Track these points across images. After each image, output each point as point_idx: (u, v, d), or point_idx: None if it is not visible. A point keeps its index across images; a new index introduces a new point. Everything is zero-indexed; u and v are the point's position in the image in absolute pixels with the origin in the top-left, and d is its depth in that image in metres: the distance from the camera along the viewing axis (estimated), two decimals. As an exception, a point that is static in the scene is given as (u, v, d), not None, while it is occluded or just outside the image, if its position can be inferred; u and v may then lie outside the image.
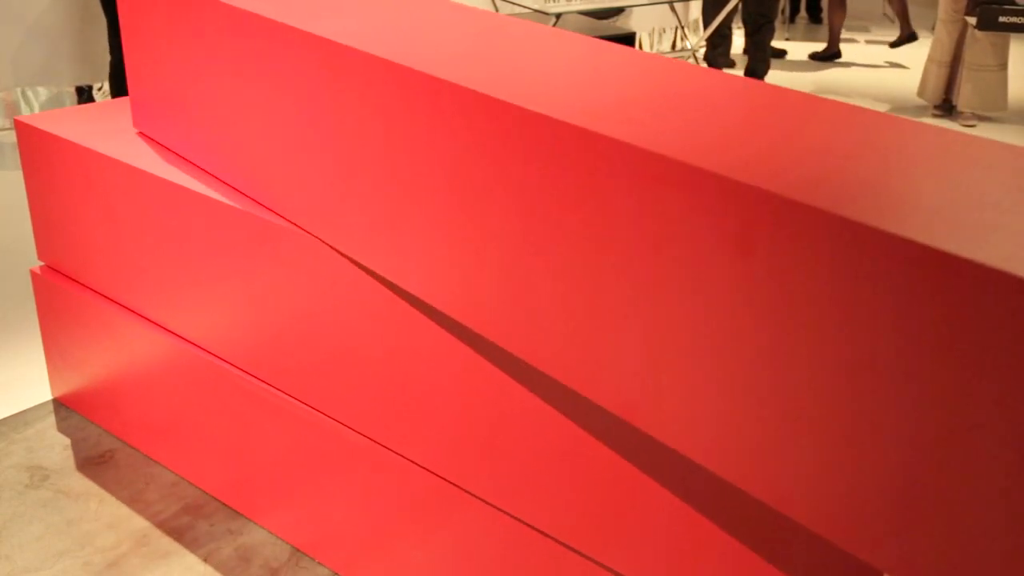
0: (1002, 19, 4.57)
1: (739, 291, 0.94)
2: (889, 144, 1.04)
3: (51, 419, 2.11)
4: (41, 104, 4.13)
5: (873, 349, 0.86)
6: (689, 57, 5.98)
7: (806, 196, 0.88)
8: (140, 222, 1.77)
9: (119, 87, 3.86)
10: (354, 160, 1.34)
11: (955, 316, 0.80)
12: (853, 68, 6.42)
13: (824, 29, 7.80)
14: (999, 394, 0.79)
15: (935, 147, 1.05)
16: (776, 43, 6.72)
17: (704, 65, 4.24)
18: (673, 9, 5.79)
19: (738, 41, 6.44)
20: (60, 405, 2.16)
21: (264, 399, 1.65)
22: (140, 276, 1.83)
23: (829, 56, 6.56)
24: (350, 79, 1.30)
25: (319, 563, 1.69)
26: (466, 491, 1.40)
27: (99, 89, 4.29)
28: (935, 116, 5.11)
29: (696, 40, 6.24)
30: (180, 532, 1.77)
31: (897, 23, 6.55)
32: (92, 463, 1.96)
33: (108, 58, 3.93)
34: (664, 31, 6.64)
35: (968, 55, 4.86)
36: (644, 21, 6.36)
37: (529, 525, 1.33)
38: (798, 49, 6.98)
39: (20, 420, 2.11)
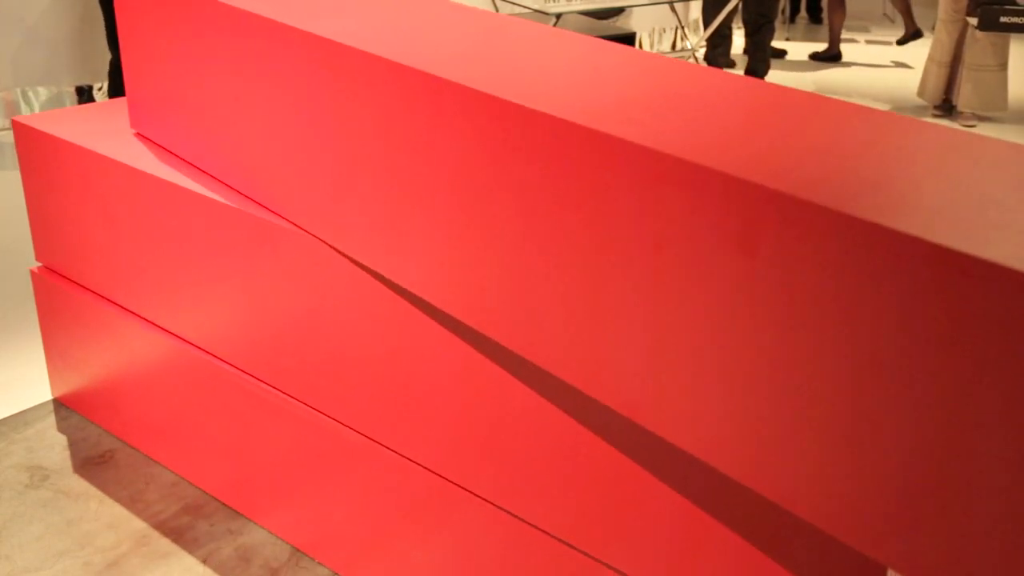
0: (1003, 19, 4.57)
1: (742, 289, 0.94)
2: (892, 142, 1.04)
3: (51, 419, 2.11)
4: (41, 104, 4.13)
5: (877, 346, 0.86)
6: (689, 57, 5.97)
7: (809, 194, 0.88)
8: (139, 223, 1.77)
9: (118, 86, 3.86)
10: (354, 159, 1.33)
11: (960, 313, 0.80)
12: (853, 68, 6.42)
13: (824, 29, 7.80)
14: (1004, 390, 0.79)
15: (938, 145, 1.05)
16: (776, 43, 6.72)
17: (704, 65, 4.23)
18: (673, 9, 5.79)
19: (738, 41, 6.44)
20: (60, 405, 2.16)
21: (264, 399, 1.65)
22: (139, 277, 1.82)
23: (829, 57, 6.56)
24: (350, 79, 1.29)
25: (319, 563, 1.69)
26: (467, 490, 1.40)
27: (99, 89, 4.28)
28: (935, 116, 5.11)
29: (696, 40, 6.24)
30: (180, 532, 1.77)
31: (897, 22, 6.55)
32: (92, 463, 1.96)
33: (108, 57, 3.93)
34: (664, 31, 6.64)
35: (968, 55, 4.86)
36: (644, 21, 6.36)
37: (530, 524, 1.33)
38: (798, 49, 6.98)
39: (20, 420, 2.11)
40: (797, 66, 6.46)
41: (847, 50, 6.88)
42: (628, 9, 5.82)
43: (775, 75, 5.98)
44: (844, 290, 0.87)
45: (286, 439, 1.65)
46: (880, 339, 0.85)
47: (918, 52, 6.45)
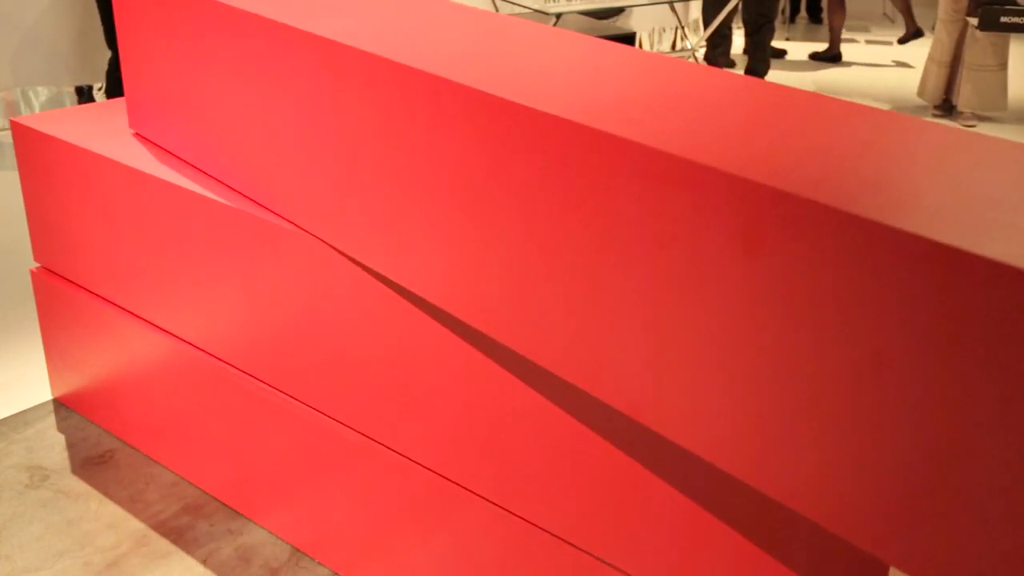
0: (1004, 19, 4.57)
1: (745, 287, 0.94)
2: (894, 141, 1.04)
3: (51, 419, 2.11)
4: (41, 104, 4.13)
5: (880, 344, 0.86)
6: (689, 57, 5.97)
7: (812, 192, 0.88)
8: (138, 223, 1.77)
9: (116, 85, 3.86)
10: (355, 159, 1.33)
11: (962, 310, 0.80)
12: (853, 68, 6.42)
13: (824, 29, 7.80)
14: (1008, 388, 0.79)
15: (940, 144, 1.05)
16: (776, 43, 6.71)
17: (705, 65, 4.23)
18: (673, 9, 5.79)
19: (738, 41, 6.44)
20: (60, 405, 2.16)
21: (264, 399, 1.65)
22: (138, 278, 1.82)
23: (830, 57, 6.56)
24: (350, 79, 1.29)
25: (319, 563, 1.69)
26: (468, 490, 1.40)
27: (99, 89, 4.28)
28: (935, 116, 5.11)
29: (696, 40, 6.24)
30: (180, 532, 1.77)
31: (897, 22, 6.55)
32: (92, 463, 1.96)
33: (108, 56, 3.92)
34: (664, 31, 6.64)
35: (968, 55, 4.86)
36: (644, 21, 6.36)
37: (531, 523, 1.33)
38: (798, 49, 6.98)
39: (20, 420, 2.11)
40: (797, 66, 6.46)
41: (847, 50, 6.88)
42: (628, 9, 5.82)
43: (775, 75, 5.98)
44: (846, 288, 0.87)
45: (286, 439, 1.65)
46: (883, 337, 0.85)
47: (918, 52, 6.45)
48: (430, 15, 1.51)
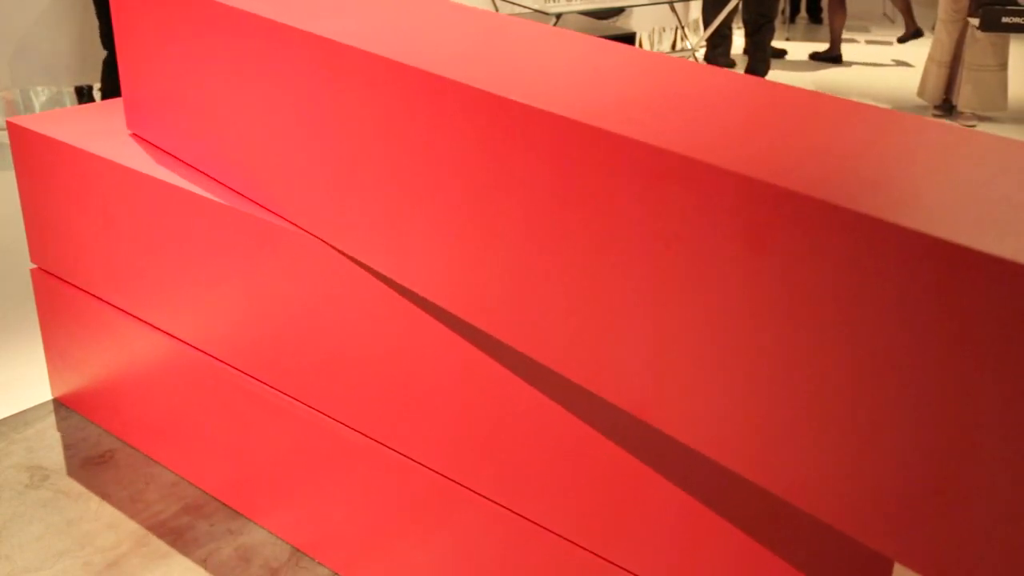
0: (1005, 20, 4.57)
1: (747, 285, 0.94)
2: (896, 140, 1.04)
3: (51, 419, 2.11)
4: (41, 104, 4.13)
5: (884, 341, 0.86)
6: (689, 57, 5.97)
7: (815, 190, 0.88)
8: (136, 224, 1.77)
9: (111, 85, 3.85)
10: (356, 159, 1.33)
11: (967, 308, 0.80)
12: (853, 68, 6.42)
13: (824, 29, 7.80)
14: (1011, 384, 0.79)
15: (943, 143, 1.05)
16: (776, 43, 6.71)
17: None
18: (673, 9, 5.79)
19: (738, 41, 6.44)
20: (60, 405, 2.16)
21: (264, 399, 1.65)
22: (136, 279, 1.82)
23: (830, 58, 6.56)
24: (351, 78, 1.29)
25: (319, 563, 1.69)
26: (469, 489, 1.40)
27: (99, 89, 4.28)
28: (935, 116, 5.11)
29: (696, 40, 6.24)
30: (180, 532, 1.77)
31: (897, 22, 6.55)
32: (92, 463, 1.96)
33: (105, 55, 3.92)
34: (664, 31, 6.64)
35: (968, 55, 4.86)
36: (644, 21, 6.36)
37: (533, 522, 1.33)
38: (798, 49, 6.98)
39: (20, 420, 2.11)
40: (797, 66, 6.46)
41: (847, 50, 6.88)
42: (628, 9, 5.82)
43: (775, 75, 5.98)
44: (849, 285, 0.87)
45: (286, 439, 1.64)
46: (886, 333, 0.85)
47: (918, 52, 6.45)
48: (430, 15, 1.51)
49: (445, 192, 1.21)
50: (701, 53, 6.15)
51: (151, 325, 1.84)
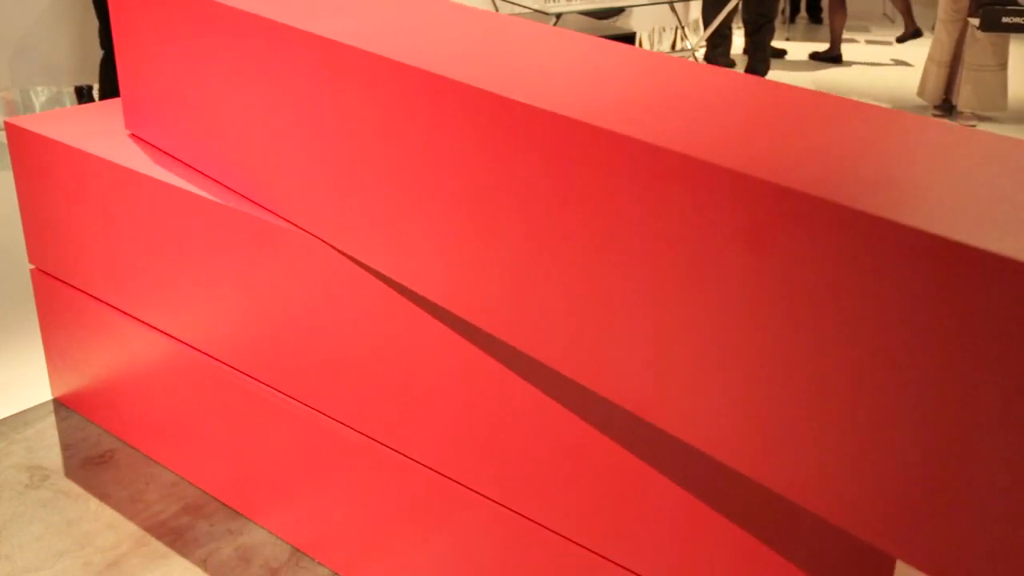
0: (1005, 20, 4.57)
1: (749, 283, 0.94)
2: (897, 139, 1.04)
3: (51, 419, 2.11)
4: (41, 104, 4.13)
5: (887, 340, 0.86)
6: (689, 57, 5.97)
7: (817, 189, 0.88)
8: (135, 225, 1.77)
9: (109, 85, 3.85)
10: (355, 159, 1.33)
11: (967, 305, 0.80)
12: (853, 68, 6.42)
13: (824, 29, 7.80)
14: (1012, 381, 0.79)
15: (944, 142, 1.05)
16: (776, 43, 6.72)
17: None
18: (673, 9, 5.79)
19: (738, 41, 6.44)
20: (60, 405, 2.16)
21: (264, 399, 1.65)
22: (135, 280, 1.82)
23: (830, 58, 6.56)
24: (351, 78, 1.29)
25: (319, 563, 1.69)
26: (469, 488, 1.40)
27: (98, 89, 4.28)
28: (935, 116, 5.11)
29: (696, 40, 6.24)
30: (180, 532, 1.77)
31: (897, 22, 6.55)
32: (92, 463, 1.96)
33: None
34: (664, 31, 6.64)
35: (968, 55, 4.86)
36: (644, 21, 6.36)
37: (533, 521, 1.33)
38: (798, 49, 6.98)
39: (20, 420, 2.11)
40: (797, 66, 6.46)
41: (847, 50, 6.88)
42: (628, 9, 5.82)
43: (775, 75, 5.97)
44: (851, 284, 0.87)
45: (286, 439, 1.64)
46: (889, 332, 0.85)
47: (918, 52, 6.45)
48: (430, 15, 1.51)
49: (445, 191, 1.21)
50: (701, 53, 6.15)
51: (151, 326, 1.84)
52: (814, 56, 6.63)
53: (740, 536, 1.11)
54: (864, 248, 0.85)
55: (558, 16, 4.50)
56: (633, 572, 1.24)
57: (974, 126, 4.94)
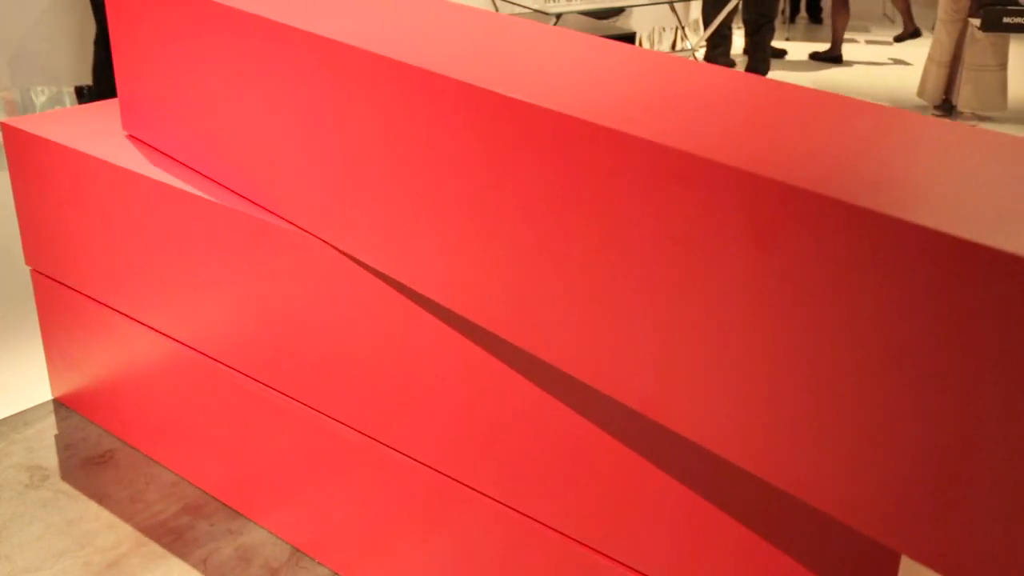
0: (1006, 20, 4.58)
1: (754, 282, 0.94)
2: (900, 137, 1.04)
3: (51, 419, 2.11)
4: (41, 104, 4.12)
5: (893, 337, 0.86)
6: (689, 57, 5.97)
7: (823, 187, 0.88)
8: (133, 226, 1.76)
9: (105, 85, 3.84)
10: (356, 158, 1.33)
11: (972, 301, 0.80)
12: (853, 68, 6.42)
13: (824, 29, 7.80)
14: (1020, 379, 0.79)
15: (947, 140, 1.05)
16: (776, 43, 6.72)
17: (704, 65, 4.23)
18: (673, 9, 5.79)
19: (738, 41, 6.44)
20: (60, 405, 2.16)
21: (264, 399, 1.65)
22: (134, 281, 1.82)
23: (830, 58, 6.56)
24: (351, 78, 1.29)
25: (319, 563, 1.69)
26: (469, 487, 1.40)
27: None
28: (935, 116, 5.11)
29: (696, 40, 6.24)
30: (180, 532, 1.77)
31: (897, 22, 6.56)
32: (92, 463, 1.96)
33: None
34: (664, 31, 6.64)
35: (968, 55, 4.86)
36: (644, 21, 6.36)
37: (535, 520, 1.33)
38: (798, 49, 6.98)
39: (20, 420, 2.10)
40: (797, 66, 6.46)
41: (847, 50, 6.88)
42: (628, 9, 5.82)
43: (775, 75, 5.97)
44: (856, 281, 0.87)
45: (286, 439, 1.64)
46: (893, 329, 0.85)
47: (918, 52, 6.46)
48: (430, 15, 1.51)
49: (446, 190, 1.21)
50: (701, 53, 6.16)
51: (150, 327, 1.84)
52: (814, 56, 6.63)
53: (743, 534, 1.11)
54: (868, 245, 0.85)
55: (558, 16, 4.50)
56: (635, 570, 1.24)
57: (974, 126, 4.94)
